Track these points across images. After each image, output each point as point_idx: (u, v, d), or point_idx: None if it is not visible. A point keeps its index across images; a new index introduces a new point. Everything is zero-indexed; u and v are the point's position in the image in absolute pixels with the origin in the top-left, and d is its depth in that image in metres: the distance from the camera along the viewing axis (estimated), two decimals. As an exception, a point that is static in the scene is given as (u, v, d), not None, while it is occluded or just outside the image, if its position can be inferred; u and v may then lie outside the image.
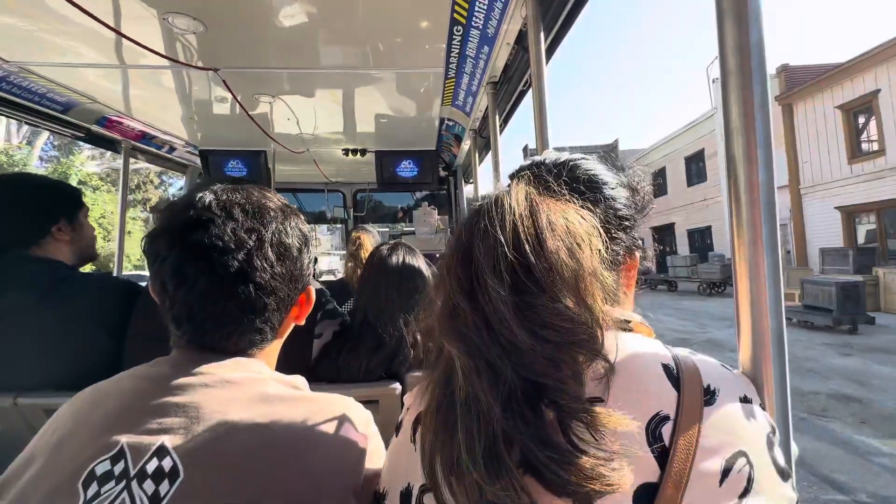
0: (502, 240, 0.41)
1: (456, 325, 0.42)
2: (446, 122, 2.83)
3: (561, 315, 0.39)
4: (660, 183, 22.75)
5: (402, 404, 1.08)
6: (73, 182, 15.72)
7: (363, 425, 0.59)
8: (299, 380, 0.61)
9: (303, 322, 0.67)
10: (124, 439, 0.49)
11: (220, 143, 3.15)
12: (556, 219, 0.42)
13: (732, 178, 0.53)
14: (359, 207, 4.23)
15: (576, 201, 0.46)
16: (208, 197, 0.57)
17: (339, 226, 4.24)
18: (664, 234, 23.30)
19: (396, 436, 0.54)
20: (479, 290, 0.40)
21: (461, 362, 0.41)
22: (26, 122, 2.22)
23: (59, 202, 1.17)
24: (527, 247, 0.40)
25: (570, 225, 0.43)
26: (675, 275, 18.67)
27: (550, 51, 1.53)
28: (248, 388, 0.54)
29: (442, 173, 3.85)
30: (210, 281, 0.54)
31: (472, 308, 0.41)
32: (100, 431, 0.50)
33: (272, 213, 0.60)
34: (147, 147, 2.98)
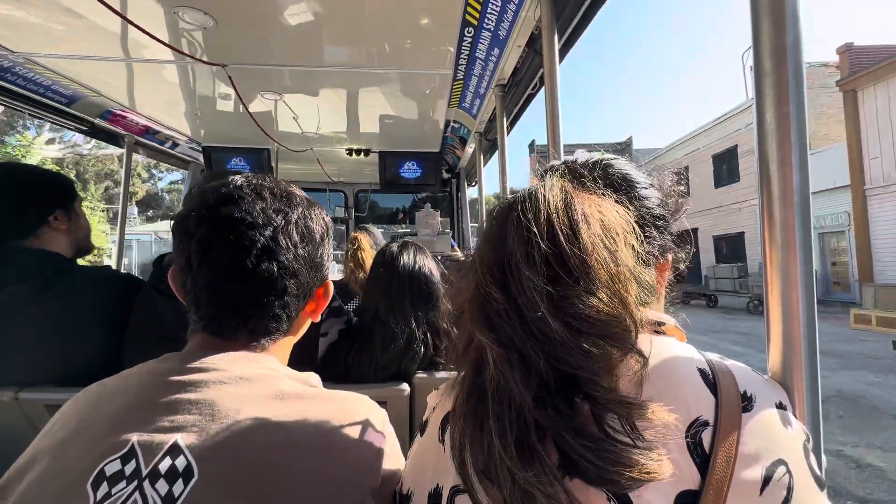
0: (536, 230, 0.40)
1: (488, 315, 0.41)
2: (452, 123, 2.82)
3: (595, 307, 0.39)
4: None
5: (411, 406, 1.07)
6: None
7: (380, 424, 0.58)
8: (313, 377, 0.60)
9: (318, 319, 0.66)
10: (135, 438, 0.47)
11: (224, 139, 3.13)
12: (591, 211, 0.42)
13: (765, 180, 0.52)
14: (360, 207, 4.22)
15: (610, 196, 0.46)
16: (240, 180, 0.59)
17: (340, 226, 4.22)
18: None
19: (421, 435, 0.53)
20: (512, 280, 0.40)
21: (493, 352, 0.40)
22: (30, 114, 2.20)
23: (54, 192, 1.15)
24: (561, 238, 0.40)
25: (604, 218, 0.43)
26: (716, 287, 15.53)
27: (563, 52, 1.52)
28: (263, 385, 0.52)
29: (445, 175, 3.85)
30: (236, 255, 0.54)
31: (504, 298, 0.40)
32: (108, 430, 0.48)
33: (298, 199, 0.61)
34: (150, 142, 2.96)
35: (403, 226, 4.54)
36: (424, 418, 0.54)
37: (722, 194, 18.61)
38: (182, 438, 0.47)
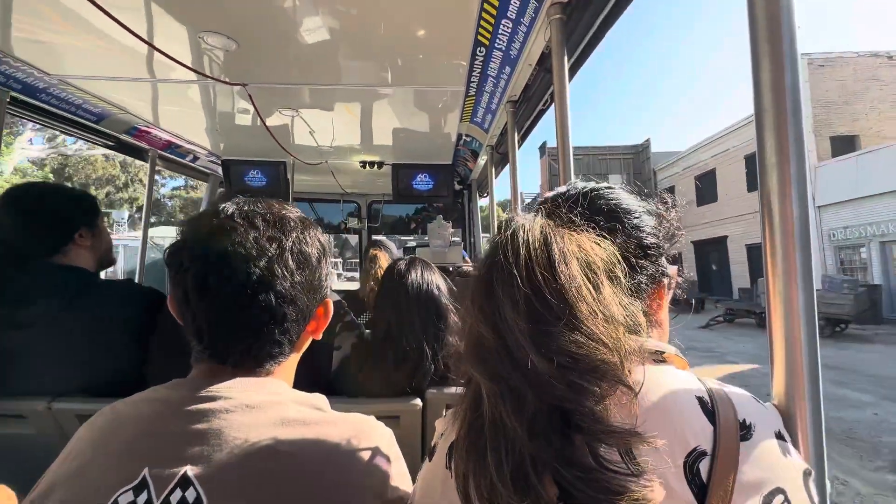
0: (516, 272, 0.42)
1: (480, 352, 0.44)
2: (464, 137, 2.86)
3: (577, 343, 0.40)
4: (698, 189, 19.69)
5: (423, 420, 1.09)
6: (8, 171, 14.45)
7: (386, 446, 0.58)
8: (320, 399, 0.60)
9: (320, 336, 0.67)
10: (146, 469, 0.48)
11: (242, 153, 3.23)
12: (569, 248, 0.44)
13: (766, 211, 0.54)
14: (373, 218, 4.28)
15: (591, 231, 0.48)
16: (230, 208, 0.59)
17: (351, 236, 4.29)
18: (710, 249, 19.35)
19: (430, 460, 0.55)
20: (500, 320, 0.42)
21: (486, 388, 0.43)
22: (62, 132, 2.31)
23: (79, 210, 1.21)
24: (540, 278, 0.42)
25: (584, 253, 0.44)
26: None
27: (572, 72, 1.55)
28: (268, 412, 0.53)
29: (457, 187, 3.89)
30: (232, 289, 0.54)
31: (494, 337, 0.43)
32: (121, 460, 0.49)
33: (292, 223, 0.60)
34: (172, 156, 3.07)
35: (415, 236, 4.58)
36: (433, 443, 0.56)
37: (755, 199, 17.36)
38: (191, 470, 0.47)
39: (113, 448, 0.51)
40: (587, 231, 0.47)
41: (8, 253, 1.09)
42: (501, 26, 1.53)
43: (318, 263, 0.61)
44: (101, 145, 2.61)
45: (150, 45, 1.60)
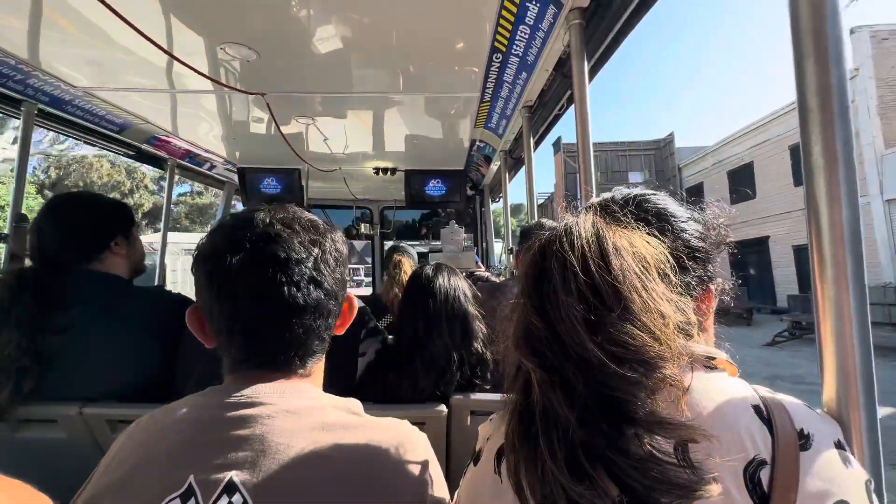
0: (572, 261, 0.43)
1: (531, 341, 0.44)
2: (477, 143, 2.87)
3: (630, 334, 0.41)
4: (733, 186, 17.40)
5: (448, 427, 1.09)
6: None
7: (423, 450, 0.59)
8: (354, 403, 0.61)
9: (343, 332, 0.68)
10: (192, 476, 0.48)
11: (257, 160, 3.27)
12: (621, 243, 0.45)
13: (813, 216, 0.53)
14: (385, 224, 4.30)
15: (642, 229, 0.48)
16: (264, 215, 0.60)
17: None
18: (747, 252, 17.12)
19: (474, 465, 0.54)
20: (552, 308, 0.43)
21: (537, 376, 0.43)
22: (85, 142, 2.36)
23: (115, 219, 1.24)
24: (594, 268, 0.43)
25: (635, 249, 0.45)
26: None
27: (592, 75, 1.55)
28: (309, 418, 0.53)
29: (469, 192, 3.89)
30: (289, 292, 0.55)
31: (545, 325, 0.43)
32: (166, 468, 0.49)
33: (322, 226, 0.64)
34: (190, 164, 3.12)
35: (425, 241, 4.58)
36: (478, 448, 0.56)
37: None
38: (237, 476, 0.48)
39: (157, 457, 0.51)
40: (637, 229, 0.48)
41: (46, 260, 1.12)
42: (519, 32, 1.53)
43: (346, 260, 0.65)
44: (122, 154, 2.67)
45: (172, 56, 1.64)
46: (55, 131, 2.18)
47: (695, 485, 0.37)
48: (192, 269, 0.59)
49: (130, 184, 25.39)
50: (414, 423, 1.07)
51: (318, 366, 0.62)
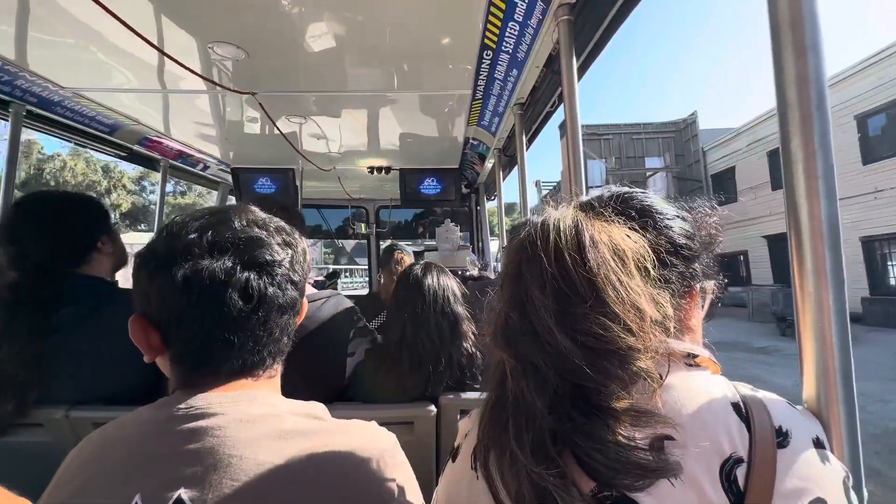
0: (543, 255, 0.44)
1: (507, 332, 0.46)
2: (471, 141, 2.86)
3: (602, 325, 0.41)
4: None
5: (437, 427, 1.08)
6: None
7: (390, 454, 0.56)
8: (317, 408, 0.58)
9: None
10: (139, 494, 0.45)
11: (251, 161, 3.26)
12: (598, 236, 0.45)
13: (792, 211, 0.52)
14: (381, 224, 4.29)
15: (622, 223, 0.48)
16: (242, 215, 0.59)
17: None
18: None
19: (452, 462, 0.54)
20: (527, 300, 0.44)
21: (510, 366, 0.45)
22: (75, 143, 2.35)
23: (98, 218, 1.21)
24: (568, 259, 0.43)
25: (613, 241, 0.45)
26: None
27: (581, 73, 1.54)
28: (263, 426, 0.51)
29: (464, 190, 3.88)
30: (271, 293, 0.55)
31: (520, 317, 0.45)
32: (112, 487, 0.47)
33: (289, 228, 0.63)
34: (183, 165, 3.11)
35: (418, 241, 4.58)
36: (456, 444, 0.56)
37: (875, 174, 11.28)
38: (185, 493, 0.45)
39: (104, 474, 0.48)
40: (617, 223, 0.48)
41: (32, 267, 1.08)
42: (508, 29, 1.52)
43: (302, 273, 0.63)
44: (113, 156, 2.66)
45: (162, 52, 1.62)
46: (44, 133, 2.16)
47: (657, 466, 0.37)
48: (141, 275, 0.55)
49: (107, 183, 24.26)
50: (402, 424, 1.07)
51: (273, 370, 0.59)
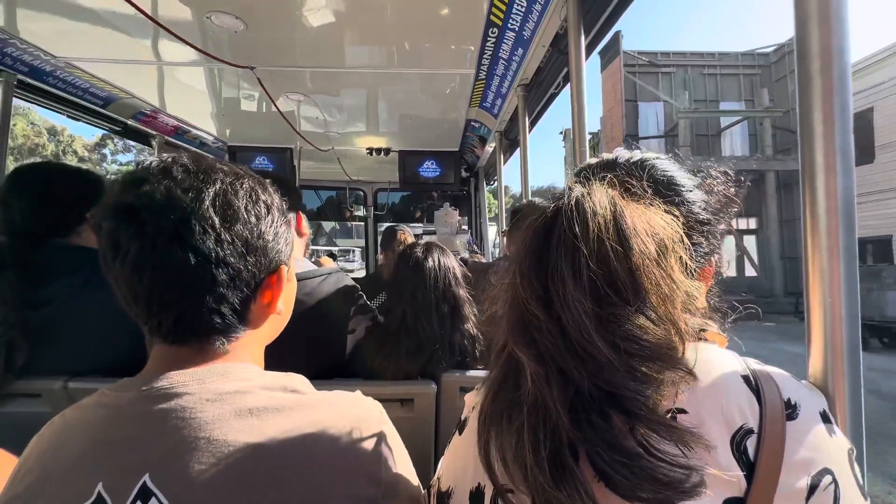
0: (584, 248, 0.39)
1: (528, 331, 0.41)
2: (472, 123, 2.83)
3: (644, 328, 0.38)
4: None
5: (437, 404, 1.09)
6: None
7: (375, 424, 0.53)
8: (296, 380, 0.54)
9: (277, 310, 0.56)
10: (101, 483, 0.43)
11: (248, 139, 3.21)
12: (642, 226, 0.40)
13: (808, 184, 0.52)
14: (379, 206, 4.27)
15: (659, 205, 0.44)
16: (153, 161, 0.52)
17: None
18: None
19: (459, 434, 0.54)
20: (557, 298, 0.39)
21: (531, 368, 0.40)
22: (68, 115, 2.30)
23: (89, 190, 1.20)
24: (611, 256, 0.38)
25: (656, 233, 0.41)
26: None
27: (589, 51, 1.51)
28: (232, 404, 0.47)
29: (464, 174, 3.85)
30: (142, 247, 0.47)
31: (547, 316, 0.39)
32: (73, 476, 0.44)
33: (221, 174, 0.52)
34: (178, 142, 3.06)
35: (420, 224, 4.57)
36: (463, 417, 0.55)
37: None
38: (150, 478, 0.43)
39: (64, 463, 0.45)
40: (654, 205, 0.44)
41: (22, 235, 1.09)
42: (515, 5, 1.49)
43: (256, 221, 0.52)
44: (107, 130, 2.61)
45: (156, 21, 1.57)
46: (36, 104, 2.11)
47: (682, 486, 0.35)
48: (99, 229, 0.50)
49: (54, 147, 20.69)
50: (402, 401, 1.08)
51: (238, 345, 0.53)
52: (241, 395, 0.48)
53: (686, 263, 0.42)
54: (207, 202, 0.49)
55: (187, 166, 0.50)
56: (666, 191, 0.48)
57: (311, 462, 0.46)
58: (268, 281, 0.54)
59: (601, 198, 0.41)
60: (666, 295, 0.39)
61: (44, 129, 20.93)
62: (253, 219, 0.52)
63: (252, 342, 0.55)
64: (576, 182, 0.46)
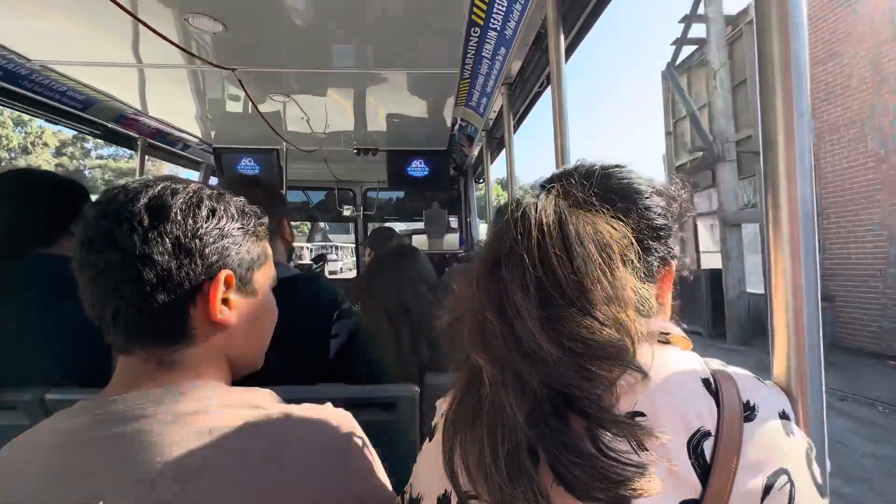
0: (527, 256, 0.41)
1: (484, 336, 0.42)
2: (459, 122, 2.82)
3: (590, 328, 0.39)
4: None
5: (418, 408, 1.09)
6: None
7: (345, 438, 0.52)
8: (260, 396, 0.52)
9: (223, 320, 0.53)
10: None
11: (234, 140, 3.17)
12: (585, 230, 0.42)
13: (771, 190, 0.53)
14: (368, 206, 4.25)
15: (606, 211, 0.46)
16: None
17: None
18: None
19: (429, 440, 0.54)
20: (508, 304, 0.41)
21: (488, 372, 0.41)
22: (46, 120, 2.25)
23: (74, 199, 1.18)
24: (554, 260, 0.40)
25: (599, 237, 0.43)
26: None
27: (569, 51, 1.52)
28: (192, 424, 0.46)
29: (452, 173, 3.85)
30: (87, 251, 0.49)
31: (500, 322, 0.41)
32: None
33: (177, 184, 0.52)
34: (162, 144, 3.02)
35: (408, 224, 4.56)
36: (434, 422, 0.56)
37: None
38: None
39: (15, 497, 0.44)
40: (602, 211, 0.45)
41: (1, 245, 1.07)
42: (496, 4, 1.49)
43: (193, 222, 0.51)
44: (88, 134, 2.56)
45: (137, 17, 1.53)
46: (12, 108, 2.06)
47: (634, 484, 0.36)
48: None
49: (22, 139, 18.38)
50: (384, 404, 1.08)
51: (189, 358, 0.51)
52: (200, 415, 0.47)
53: (637, 267, 0.43)
54: (141, 203, 0.49)
55: (151, 181, 0.52)
56: (619, 198, 0.49)
57: (276, 482, 0.45)
58: (206, 286, 0.51)
59: (547, 207, 0.43)
60: (612, 296, 0.40)
61: (9, 120, 18.36)
62: (191, 221, 0.51)
63: (210, 357, 0.53)
64: (537, 193, 0.48)
